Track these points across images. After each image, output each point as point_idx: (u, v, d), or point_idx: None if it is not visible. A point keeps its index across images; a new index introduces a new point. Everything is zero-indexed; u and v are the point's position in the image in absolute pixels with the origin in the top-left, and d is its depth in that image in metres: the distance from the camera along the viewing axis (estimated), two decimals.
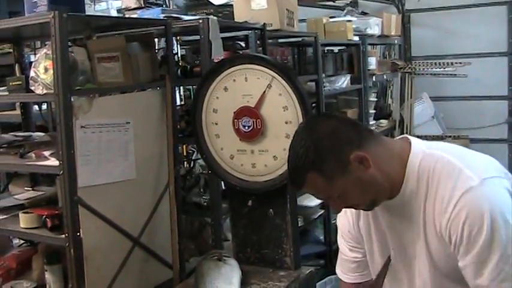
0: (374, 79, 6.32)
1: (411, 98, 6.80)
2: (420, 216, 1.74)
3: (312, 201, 4.58)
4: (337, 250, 2.20)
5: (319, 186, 1.73)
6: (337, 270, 2.18)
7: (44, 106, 4.19)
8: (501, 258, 1.59)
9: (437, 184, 1.69)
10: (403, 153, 1.76)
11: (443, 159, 1.72)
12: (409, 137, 1.84)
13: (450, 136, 6.72)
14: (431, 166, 1.72)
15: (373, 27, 6.17)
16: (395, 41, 7.06)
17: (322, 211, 4.86)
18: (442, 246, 1.70)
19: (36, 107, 4.14)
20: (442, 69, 6.61)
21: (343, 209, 2.02)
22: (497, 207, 1.60)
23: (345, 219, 2.06)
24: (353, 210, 1.99)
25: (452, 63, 6.47)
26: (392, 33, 6.73)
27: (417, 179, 1.73)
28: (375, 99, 6.47)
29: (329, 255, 4.98)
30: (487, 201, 1.60)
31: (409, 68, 6.74)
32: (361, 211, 1.95)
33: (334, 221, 5.06)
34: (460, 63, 6.40)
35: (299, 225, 3.54)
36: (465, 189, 1.63)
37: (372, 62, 6.15)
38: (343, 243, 2.13)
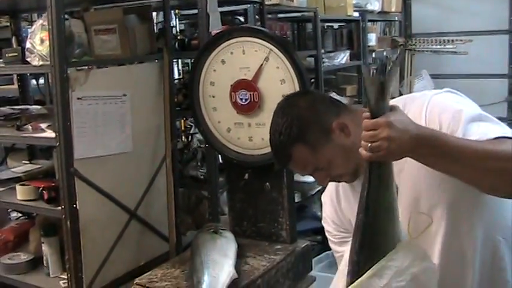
0: (374, 56, 6.29)
1: (411, 75, 6.78)
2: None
3: (310, 177, 4.57)
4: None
5: (305, 159, 1.76)
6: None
7: (42, 80, 4.18)
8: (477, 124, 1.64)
9: (404, 109, 1.62)
10: None
11: (400, 97, 1.85)
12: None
13: None
14: (397, 103, 1.68)
15: (374, 3, 6.13)
16: (396, 18, 7.02)
17: (320, 187, 4.85)
18: None
19: (33, 81, 4.13)
20: (442, 47, 6.58)
21: (325, 199, 2.10)
22: (455, 97, 1.77)
23: (330, 208, 2.09)
24: (333, 197, 2.04)
25: (452, 41, 6.44)
26: (393, 10, 6.68)
27: None
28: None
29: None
30: (450, 98, 1.75)
31: (409, 44, 6.71)
32: (340, 192, 1.99)
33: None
34: (461, 40, 6.38)
35: (296, 201, 3.54)
36: (430, 96, 1.73)
37: (372, 39, 6.12)
38: (332, 241, 2.15)
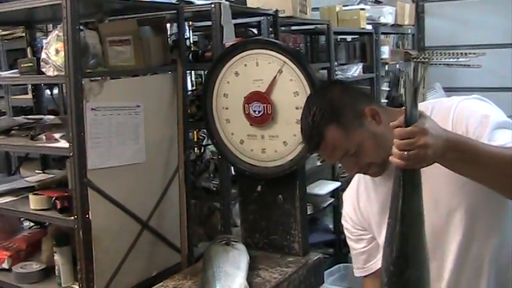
0: (387, 68, 6.28)
1: (424, 88, 6.76)
2: None
3: (322, 190, 4.57)
4: (345, 239, 2.21)
5: (337, 141, 1.77)
6: (355, 271, 2.19)
7: (56, 90, 4.20)
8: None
9: (432, 112, 1.74)
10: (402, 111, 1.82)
11: (431, 100, 1.88)
12: None
13: None
14: (426, 106, 1.78)
15: (387, 16, 6.13)
16: (409, 31, 7.01)
17: (332, 199, 4.85)
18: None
19: (47, 91, 4.15)
20: (455, 60, 6.56)
21: (345, 197, 2.12)
22: (483, 103, 1.78)
23: (349, 206, 2.11)
24: (353, 196, 2.06)
25: (466, 54, 6.42)
26: (406, 23, 6.68)
27: None
28: (387, 89, 6.43)
29: (338, 243, 4.97)
30: (478, 104, 1.77)
31: (422, 57, 6.69)
32: (361, 191, 2.03)
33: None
34: (474, 53, 6.35)
35: (308, 213, 3.54)
36: (458, 101, 1.76)
37: (385, 51, 6.11)
38: (349, 238, 2.16)
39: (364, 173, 1.91)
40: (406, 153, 1.44)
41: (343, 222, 2.18)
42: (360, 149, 1.78)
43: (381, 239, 1.85)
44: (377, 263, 2.04)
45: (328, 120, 1.76)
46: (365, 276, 2.15)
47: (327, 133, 1.77)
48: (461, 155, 1.54)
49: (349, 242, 2.17)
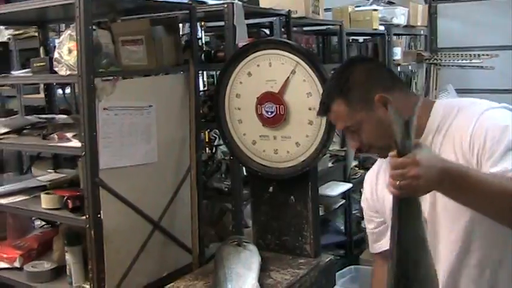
0: (399, 69, 6.26)
1: (436, 89, 6.73)
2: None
3: (334, 191, 4.56)
4: (356, 240, 2.24)
5: (340, 114, 1.89)
6: (369, 248, 2.29)
7: (68, 90, 4.21)
8: None
9: (456, 115, 1.80)
10: (428, 106, 1.88)
11: (461, 100, 1.90)
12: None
13: None
14: (453, 106, 1.85)
15: (399, 17, 6.11)
16: (421, 32, 6.99)
17: (343, 201, 4.84)
18: None
19: (60, 90, 4.16)
20: (468, 61, 6.53)
21: (366, 178, 2.20)
22: (509, 115, 1.74)
23: (368, 187, 2.18)
24: (373, 178, 2.13)
25: (479, 55, 6.39)
26: (419, 24, 6.65)
27: (439, 120, 1.84)
28: None
29: (349, 245, 4.95)
30: (503, 116, 1.74)
31: (435, 59, 6.66)
32: (381, 173, 2.08)
33: (355, 212, 5.05)
34: (487, 55, 6.32)
35: (320, 214, 3.53)
36: (484, 109, 1.76)
37: (397, 52, 6.09)
38: (365, 216, 2.25)
39: (366, 152, 1.98)
40: (398, 182, 1.50)
41: (362, 202, 2.27)
42: (360, 128, 1.88)
43: None
44: (383, 245, 2.11)
45: (337, 93, 1.89)
46: (375, 254, 2.25)
47: (333, 105, 1.90)
48: (457, 186, 1.57)
49: (365, 222, 2.29)
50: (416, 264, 1.57)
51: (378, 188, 2.11)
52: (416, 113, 1.57)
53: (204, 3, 3.51)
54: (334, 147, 4.75)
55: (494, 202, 1.58)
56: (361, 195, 2.34)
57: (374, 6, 6.10)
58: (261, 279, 2.30)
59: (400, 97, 1.85)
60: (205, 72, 4.30)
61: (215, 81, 3.84)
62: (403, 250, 1.57)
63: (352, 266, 4.43)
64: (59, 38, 2.77)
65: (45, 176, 3.38)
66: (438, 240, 1.88)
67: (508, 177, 1.61)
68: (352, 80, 1.88)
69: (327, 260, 2.57)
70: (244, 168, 3.13)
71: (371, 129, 1.86)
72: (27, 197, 3.07)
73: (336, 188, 4.59)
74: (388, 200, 1.94)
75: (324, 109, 1.97)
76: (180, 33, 3.46)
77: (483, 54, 6.36)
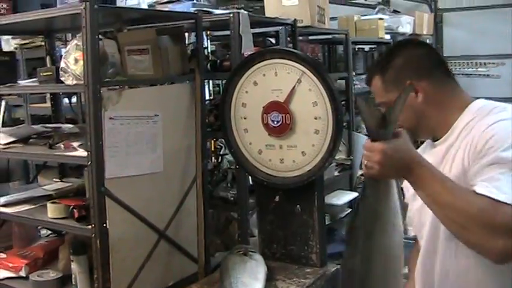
0: None
1: None
2: (453, 159, 1.84)
3: (340, 200, 4.55)
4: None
5: (376, 89, 2.00)
6: None
7: (74, 99, 4.22)
8: (506, 172, 1.64)
9: (484, 117, 1.82)
10: (463, 106, 1.91)
11: (497, 104, 1.87)
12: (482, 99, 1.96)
13: None
14: (486, 109, 1.86)
15: (405, 25, 6.12)
16: (427, 40, 6.97)
17: (350, 210, 4.82)
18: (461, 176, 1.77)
19: (66, 100, 4.17)
20: (474, 70, 6.53)
21: None
22: None
23: None
24: None
25: (485, 64, 6.39)
26: (424, 32, 6.67)
27: (463, 127, 1.86)
28: None
29: None
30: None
31: None
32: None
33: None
34: (493, 63, 6.32)
35: (326, 223, 3.52)
36: (502, 118, 1.76)
37: None
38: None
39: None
40: (365, 162, 1.69)
41: None
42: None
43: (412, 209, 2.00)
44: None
45: (377, 70, 1.99)
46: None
47: (373, 79, 2.00)
48: (414, 183, 1.70)
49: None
50: (369, 236, 1.70)
51: None
52: (399, 106, 1.69)
53: (210, 12, 3.52)
54: (341, 156, 4.75)
55: (445, 211, 1.67)
56: None
57: (380, 15, 6.12)
58: None
59: (437, 89, 1.92)
60: (211, 81, 4.31)
61: (221, 90, 3.86)
62: (358, 220, 1.74)
63: None
64: (66, 47, 2.78)
65: (51, 185, 3.39)
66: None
67: (470, 192, 1.65)
68: (393, 61, 1.96)
69: (333, 269, 2.56)
70: (250, 177, 3.13)
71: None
72: (33, 206, 3.07)
73: (342, 197, 4.59)
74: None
75: (367, 80, 2.08)
76: (186, 42, 3.47)
77: (489, 63, 6.37)
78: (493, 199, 1.60)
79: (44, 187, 3.35)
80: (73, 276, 2.88)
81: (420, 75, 1.91)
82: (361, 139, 4.84)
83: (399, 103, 1.71)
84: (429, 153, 1.94)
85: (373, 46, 6.22)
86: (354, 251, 1.73)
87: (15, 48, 4.98)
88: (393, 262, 1.73)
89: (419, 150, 1.99)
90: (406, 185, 1.95)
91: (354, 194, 4.74)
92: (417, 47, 2.03)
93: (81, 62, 2.57)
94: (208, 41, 4.12)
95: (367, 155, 1.67)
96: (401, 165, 1.66)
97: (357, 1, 7.00)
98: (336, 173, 4.69)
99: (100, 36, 2.67)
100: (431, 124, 1.94)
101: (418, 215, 2.00)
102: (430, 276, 1.97)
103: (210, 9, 3.63)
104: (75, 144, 2.83)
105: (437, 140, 1.96)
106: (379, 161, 1.64)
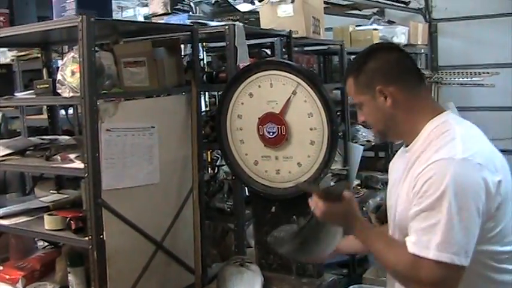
0: None
1: None
2: (409, 171, 1.91)
3: None
4: (360, 259, 2.25)
5: (349, 90, 2.07)
6: None
7: (71, 111, 4.23)
8: (434, 224, 1.74)
9: (430, 146, 1.87)
10: (429, 116, 1.95)
11: (453, 129, 1.88)
12: (448, 110, 2.01)
13: None
14: (441, 131, 1.89)
15: (400, 35, 6.14)
16: (422, 50, 7.01)
17: None
18: (407, 201, 1.87)
19: (62, 111, 4.18)
20: (469, 79, 6.55)
21: None
22: (459, 185, 1.72)
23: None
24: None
25: (479, 73, 6.40)
26: (419, 42, 6.68)
27: (423, 140, 1.92)
28: None
29: (352, 264, 4.93)
30: (455, 176, 1.73)
31: (436, 77, 6.68)
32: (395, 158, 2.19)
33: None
34: (488, 73, 6.34)
35: None
36: (443, 157, 1.78)
37: None
38: None
39: (369, 128, 2.11)
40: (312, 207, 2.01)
41: None
42: (361, 108, 2.04)
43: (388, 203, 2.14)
44: None
45: (352, 72, 2.04)
46: None
47: (348, 80, 2.06)
48: (360, 239, 2.01)
49: None
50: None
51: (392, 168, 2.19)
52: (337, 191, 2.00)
53: (206, 24, 3.54)
54: (336, 166, 4.75)
55: (381, 262, 1.94)
56: (363, 214, 2.39)
57: (374, 26, 6.13)
58: None
59: (408, 95, 1.96)
60: (207, 93, 4.32)
61: (217, 102, 3.88)
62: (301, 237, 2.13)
63: (356, 286, 4.41)
64: (62, 59, 2.80)
65: (48, 197, 3.39)
66: None
67: (401, 247, 1.82)
68: (365, 65, 2.00)
69: (330, 279, 2.57)
70: (246, 188, 3.13)
71: (370, 113, 2.02)
72: (30, 218, 3.07)
73: None
74: (389, 179, 2.17)
75: (343, 81, 2.17)
76: (182, 54, 3.48)
77: (483, 72, 6.38)
78: (419, 256, 1.74)
79: (41, 199, 3.36)
80: (70, 287, 2.88)
81: (390, 80, 1.96)
82: (357, 149, 4.85)
83: (336, 190, 1.99)
84: (402, 158, 2.03)
85: None
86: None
87: (12, 60, 5.00)
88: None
89: (396, 155, 2.14)
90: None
91: None
92: (390, 52, 2.05)
93: (77, 75, 2.58)
94: (204, 52, 4.14)
95: (313, 203, 2.01)
96: (341, 223, 2.03)
97: (351, 12, 7.02)
98: (332, 183, 4.69)
99: (96, 49, 2.69)
100: (400, 129, 2.00)
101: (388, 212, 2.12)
102: None
103: (206, 21, 3.65)
104: (72, 156, 2.84)
105: (408, 145, 2.01)
106: (320, 216, 1.98)
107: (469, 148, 1.79)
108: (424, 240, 1.74)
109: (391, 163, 2.18)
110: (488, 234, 1.80)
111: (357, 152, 4.82)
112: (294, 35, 4.01)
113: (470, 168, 1.75)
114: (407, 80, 1.98)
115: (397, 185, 2.00)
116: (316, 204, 1.99)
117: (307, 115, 2.42)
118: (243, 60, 3.25)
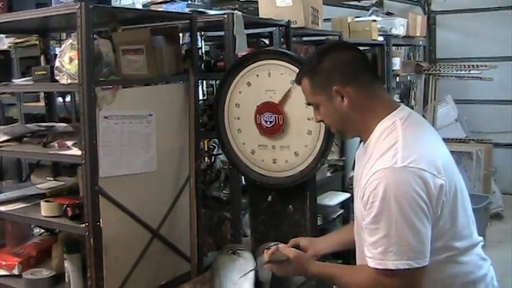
0: (398, 80, 6.28)
1: (435, 100, 6.76)
2: (363, 169, 1.94)
3: (332, 201, 4.56)
4: (355, 250, 2.25)
5: (305, 90, 2.07)
6: None
7: (68, 98, 4.23)
8: (384, 236, 1.78)
9: (377, 148, 1.90)
10: (382, 115, 1.97)
11: (396, 132, 1.89)
12: (402, 106, 2.02)
13: (473, 140, 6.66)
14: (387, 133, 1.91)
15: (398, 27, 6.14)
16: (420, 42, 7.02)
17: (342, 211, 4.83)
18: (361, 204, 1.91)
19: (60, 99, 4.18)
20: (467, 72, 6.56)
21: None
22: (401, 194, 1.76)
23: None
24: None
25: (477, 66, 6.41)
26: (418, 34, 6.69)
27: (375, 141, 1.94)
28: (398, 101, 6.43)
29: (347, 255, 4.93)
30: (396, 185, 1.77)
31: (434, 69, 6.69)
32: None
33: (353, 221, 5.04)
34: (486, 66, 6.34)
35: (318, 224, 3.54)
36: (385, 166, 1.80)
37: (396, 63, 6.12)
38: None
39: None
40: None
41: None
42: (318, 108, 2.05)
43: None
44: None
45: (307, 72, 2.04)
46: None
47: (302, 80, 2.06)
48: (317, 278, 2.23)
49: None
50: None
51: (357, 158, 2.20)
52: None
53: (205, 13, 3.54)
54: (333, 156, 4.76)
55: None
56: None
57: (373, 17, 6.14)
58: None
59: (362, 95, 1.96)
60: (204, 82, 4.32)
61: (215, 91, 3.88)
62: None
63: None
64: (60, 46, 2.79)
65: (45, 183, 3.39)
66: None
67: (357, 268, 2.03)
68: (321, 65, 1.99)
69: None
70: (243, 177, 3.14)
71: (327, 113, 2.03)
72: (26, 205, 3.07)
73: (335, 198, 4.60)
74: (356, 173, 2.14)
75: (297, 80, 2.12)
76: (180, 42, 3.48)
77: (481, 65, 6.39)
78: (380, 269, 1.80)
79: (38, 186, 3.35)
80: (66, 274, 2.88)
81: (346, 80, 1.96)
82: (354, 140, 4.86)
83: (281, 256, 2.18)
84: (362, 153, 2.05)
85: (366, 48, 6.23)
86: None
87: (9, 47, 4.99)
88: None
89: (361, 146, 2.13)
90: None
91: (347, 195, 4.74)
92: (344, 51, 2.04)
93: (75, 62, 2.57)
94: (203, 41, 4.13)
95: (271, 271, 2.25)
96: (297, 274, 2.20)
97: (350, 3, 7.03)
98: (329, 174, 4.70)
99: (95, 36, 2.68)
100: (356, 128, 2.02)
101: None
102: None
103: (205, 10, 3.64)
104: (69, 143, 2.84)
105: (365, 142, 2.03)
106: (279, 275, 2.23)
107: (409, 154, 1.80)
108: (380, 253, 1.79)
109: (357, 153, 2.19)
110: (440, 232, 1.84)
111: (354, 143, 4.82)
112: (292, 25, 4.01)
113: (412, 175, 1.77)
114: (363, 80, 1.98)
115: (357, 182, 2.05)
116: (271, 269, 2.22)
117: (304, 105, 2.42)
118: (241, 49, 3.25)
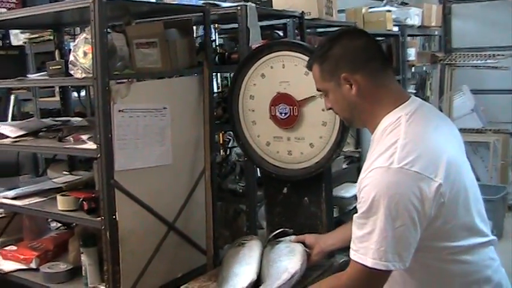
0: (413, 70, 6.24)
1: (450, 90, 6.71)
2: (365, 164, 1.92)
3: (348, 192, 4.55)
4: None
5: (315, 76, 2.06)
6: None
7: (83, 93, 4.25)
8: (369, 233, 1.79)
9: (380, 144, 1.89)
10: (390, 107, 1.95)
11: (399, 130, 1.87)
12: (412, 98, 1.99)
13: (490, 130, 6.61)
14: (390, 130, 1.90)
15: (413, 17, 6.09)
16: (436, 32, 6.96)
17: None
18: None
19: (75, 93, 4.20)
20: (483, 62, 6.49)
21: None
22: (392, 196, 1.75)
23: None
24: None
25: (494, 55, 6.35)
26: (433, 24, 6.62)
27: (379, 135, 1.94)
28: (414, 91, 6.40)
29: None
30: (388, 186, 1.76)
31: (449, 59, 6.63)
32: None
33: None
34: (502, 55, 6.28)
35: (334, 215, 3.53)
36: (381, 165, 1.80)
37: (411, 53, 6.07)
38: None
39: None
40: None
41: None
42: (327, 95, 2.05)
43: None
44: None
45: (317, 58, 2.03)
46: None
47: (313, 66, 2.05)
48: None
49: None
50: None
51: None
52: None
53: (218, 5, 3.53)
54: (349, 148, 4.75)
55: None
56: None
57: (388, 7, 6.09)
58: None
59: (372, 84, 1.94)
60: (219, 74, 4.31)
61: (229, 83, 3.87)
62: None
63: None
64: (74, 41, 2.79)
65: (61, 178, 3.42)
66: None
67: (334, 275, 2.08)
68: (331, 52, 1.97)
69: (341, 261, 2.57)
70: (258, 169, 3.14)
71: (336, 101, 2.02)
72: (43, 199, 3.09)
73: (351, 190, 4.58)
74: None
75: (308, 66, 2.12)
76: (194, 35, 3.47)
77: (498, 55, 6.32)
78: (358, 262, 1.83)
79: (54, 180, 3.38)
80: (83, 268, 2.90)
81: (355, 68, 1.94)
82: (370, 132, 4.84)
83: None
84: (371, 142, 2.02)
85: (381, 38, 6.19)
86: None
87: (24, 43, 5.02)
88: None
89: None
90: None
91: None
92: (355, 38, 2.01)
93: (90, 56, 2.58)
94: (216, 34, 4.12)
95: None
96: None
97: None
98: (344, 165, 4.69)
99: (108, 30, 2.68)
100: (363, 117, 2.01)
101: None
102: None
103: (218, 2, 3.63)
104: (85, 137, 2.85)
105: (372, 133, 2.02)
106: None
107: (407, 155, 1.78)
108: (363, 248, 1.81)
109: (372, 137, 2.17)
110: (439, 231, 1.83)
111: (369, 134, 4.81)
112: (306, 17, 3.99)
113: (405, 178, 1.76)
114: (373, 68, 1.95)
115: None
116: None
117: (319, 96, 2.41)
118: (255, 41, 3.24)
